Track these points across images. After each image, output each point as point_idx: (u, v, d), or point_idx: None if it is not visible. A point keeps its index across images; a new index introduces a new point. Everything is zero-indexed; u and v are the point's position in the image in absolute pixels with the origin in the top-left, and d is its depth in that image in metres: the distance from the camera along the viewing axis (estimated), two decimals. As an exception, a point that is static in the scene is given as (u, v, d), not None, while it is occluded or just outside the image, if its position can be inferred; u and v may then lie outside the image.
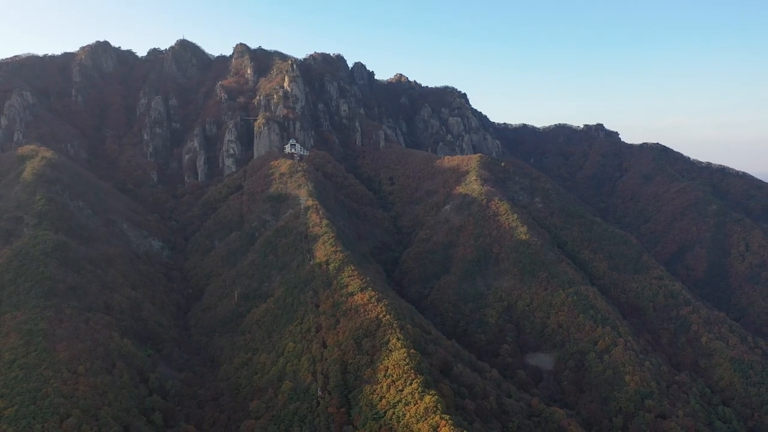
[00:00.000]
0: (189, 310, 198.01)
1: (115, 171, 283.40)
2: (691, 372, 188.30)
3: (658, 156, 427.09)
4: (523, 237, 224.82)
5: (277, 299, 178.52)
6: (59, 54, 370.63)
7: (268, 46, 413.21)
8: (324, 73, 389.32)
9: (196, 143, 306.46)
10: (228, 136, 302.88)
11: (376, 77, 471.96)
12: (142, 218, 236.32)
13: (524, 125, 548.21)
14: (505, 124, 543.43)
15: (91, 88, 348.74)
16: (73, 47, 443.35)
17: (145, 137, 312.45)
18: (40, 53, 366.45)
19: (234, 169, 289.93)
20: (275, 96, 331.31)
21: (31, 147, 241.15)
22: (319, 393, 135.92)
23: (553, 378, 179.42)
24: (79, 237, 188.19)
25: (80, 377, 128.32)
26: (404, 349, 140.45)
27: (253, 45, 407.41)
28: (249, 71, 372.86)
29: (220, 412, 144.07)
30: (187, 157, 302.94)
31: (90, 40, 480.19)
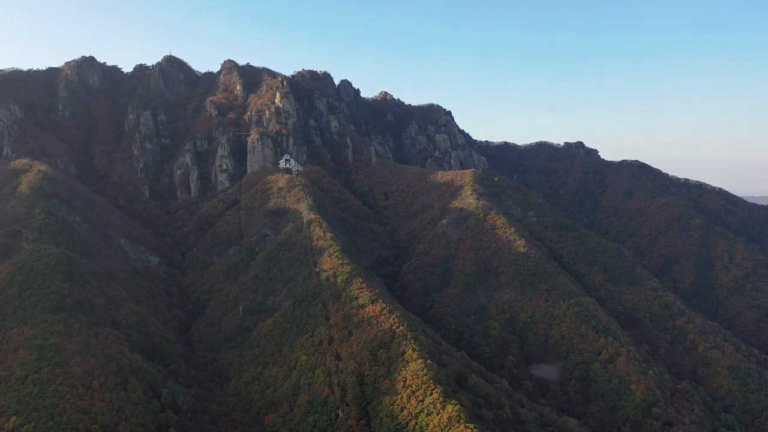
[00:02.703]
0: (191, 325, 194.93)
1: (106, 186, 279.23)
2: (691, 380, 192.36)
3: (638, 172, 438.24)
4: (522, 250, 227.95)
5: (285, 312, 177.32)
6: (44, 69, 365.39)
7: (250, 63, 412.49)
8: (313, 90, 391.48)
9: (188, 158, 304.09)
10: (221, 152, 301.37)
11: (361, 95, 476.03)
12: (139, 233, 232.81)
13: (506, 143, 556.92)
14: (487, 141, 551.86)
15: (78, 103, 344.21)
16: (57, 62, 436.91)
17: (136, 152, 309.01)
18: (24, 68, 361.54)
19: (227, 185, 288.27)
20: (267, 112, 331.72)
21: (24, 161, 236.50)
22: (340, 414, 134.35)
23: (559, 388, 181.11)
24: (80, 251, 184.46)
25: (95, 392, 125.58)
26: (421, 360, 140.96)
27: (237, 62, 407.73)
28: (238, 87, 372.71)
29: (234, 428, 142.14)
30: (179, 172, 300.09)
31: (73, 56, 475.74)
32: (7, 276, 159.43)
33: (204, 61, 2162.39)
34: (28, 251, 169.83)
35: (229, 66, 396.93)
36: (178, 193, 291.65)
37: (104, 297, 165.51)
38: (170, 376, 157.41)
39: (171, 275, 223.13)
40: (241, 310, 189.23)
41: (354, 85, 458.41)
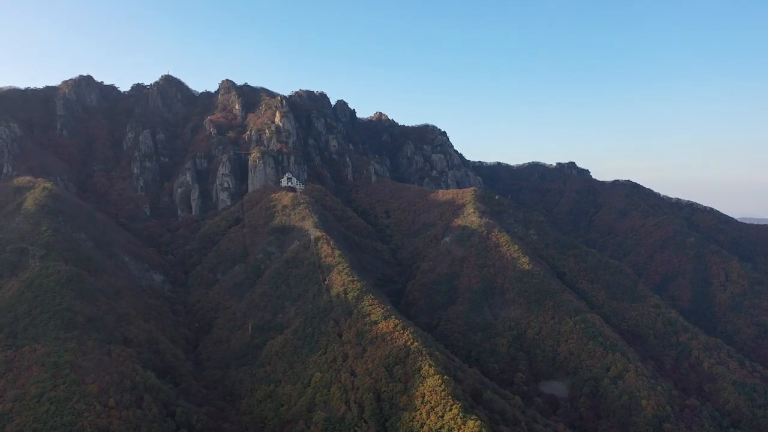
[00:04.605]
0: (198, 343, 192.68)
1: (106, 205, 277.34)
2: (698, 396, 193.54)
3: (631, 192, 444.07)
4: (527, 267, 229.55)
5: (296, 330, 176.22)
6: (41, 87, 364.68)
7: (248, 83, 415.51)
8: (311, 110, 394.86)
9: (188, 177, 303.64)
10: (222, 170, 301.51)
11: (356, 115, 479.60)
12: (142, 251, 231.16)
13: (498, 163, 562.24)
14: (480, 162, 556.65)
15: (76, 122, 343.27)
16: (54, 81, 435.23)
17: (135, 171, 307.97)
18: (21, 86, 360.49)
19: (229, 203, 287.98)
20: (267, 131, 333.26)
21: (27, 178, 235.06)
22: None
23: (569, 405, 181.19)
24: (87, 268, 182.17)
25: (112, 410, 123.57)
26: (438, 376, 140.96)
27: (235, 82, 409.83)
28: (237, 107, 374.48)
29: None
30: (179, 190, 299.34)
31: (67, 75, 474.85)
32: (15, 293, 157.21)
33: (200, 80, 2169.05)
34: (36, 268, 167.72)
35: (227, 86, 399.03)
36: (179, 212, 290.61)
37: (114, 314, 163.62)
38: (181, 394, 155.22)
39: (175, 293, 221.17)
40: (249, 327, 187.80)
41: (349, 106, 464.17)
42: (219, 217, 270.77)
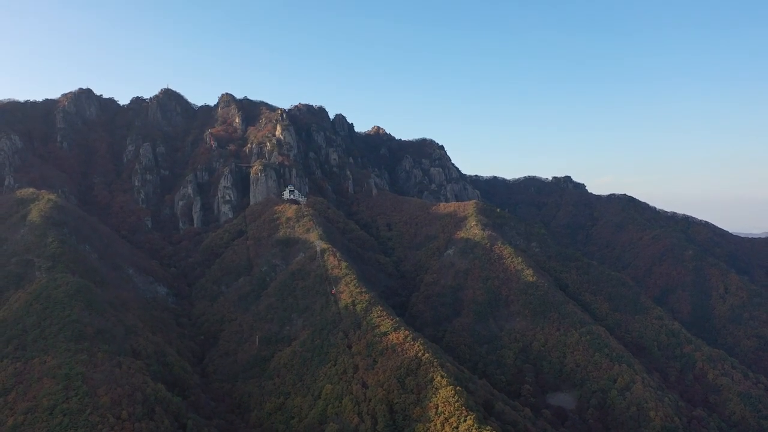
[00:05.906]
0: (204, 356, 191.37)
1: (108, 217, 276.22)
2: (704, 407, 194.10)
3: (627, 206, 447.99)
4: (531, 279, 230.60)
5: (304, 342, 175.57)
6: (41, 100, 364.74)
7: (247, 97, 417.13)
8: (310, 123, 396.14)
9: (189, 190, 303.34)
10: (223, 183, 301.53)
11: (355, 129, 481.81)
12: (146, 264, 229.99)
13: (495, 177, 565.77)
14: (476, 176, 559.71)
15: (76, 135, 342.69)
16: (53, 94, 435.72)
17: (136, 184, 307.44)
18: (21, 99, 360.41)
19: (231, 216, 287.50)
20: (268, 144, 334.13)
21: (31, 190, 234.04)
22: None
23: (578, 416, 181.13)
24: (93, 280, 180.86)
25: (125, 423, 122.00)
26: (450, 387, 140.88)
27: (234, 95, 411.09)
28: (237, 120, 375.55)
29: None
30: (181, 203, 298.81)
31: (66, 88, 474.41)
32: (23, 305, 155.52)
33: (199, 94, 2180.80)
34: (43, 280, 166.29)
35: (227, 99, 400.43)
36: (181, 224, 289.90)
37: (122, 326, 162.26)
38: (190, 407, 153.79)
39: (179, 306, 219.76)
40: (257, 340, 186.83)
41: (347, 120, 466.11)
42: (222, 229, 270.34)
